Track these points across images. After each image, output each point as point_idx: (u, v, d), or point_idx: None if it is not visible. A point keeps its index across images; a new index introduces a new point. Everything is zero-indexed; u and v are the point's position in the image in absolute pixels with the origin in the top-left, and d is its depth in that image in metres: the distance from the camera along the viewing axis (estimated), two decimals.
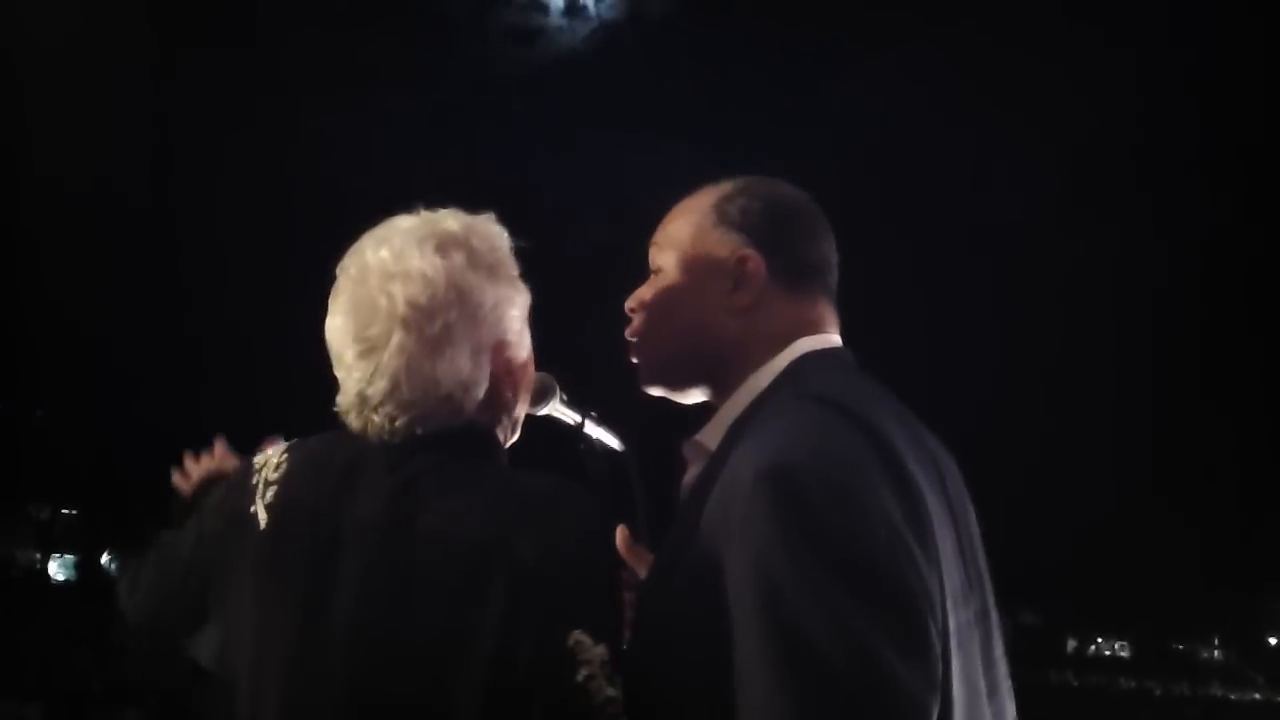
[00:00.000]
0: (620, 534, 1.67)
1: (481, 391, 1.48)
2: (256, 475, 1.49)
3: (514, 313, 1.53)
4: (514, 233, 1.60)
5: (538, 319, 1.62)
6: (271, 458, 1.51)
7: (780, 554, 1.22)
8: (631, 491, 1.76)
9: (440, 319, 1.42)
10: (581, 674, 1.28)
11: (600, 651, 1.30)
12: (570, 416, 1.80)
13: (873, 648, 1.18)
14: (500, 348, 1.50)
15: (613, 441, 1.82)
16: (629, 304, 1.64)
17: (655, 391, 1.64)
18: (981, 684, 1.38)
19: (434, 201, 1.57)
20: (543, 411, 1.77)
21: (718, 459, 1.42)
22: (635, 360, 1.64)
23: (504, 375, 1.52)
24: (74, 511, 35.11)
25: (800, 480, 1.25)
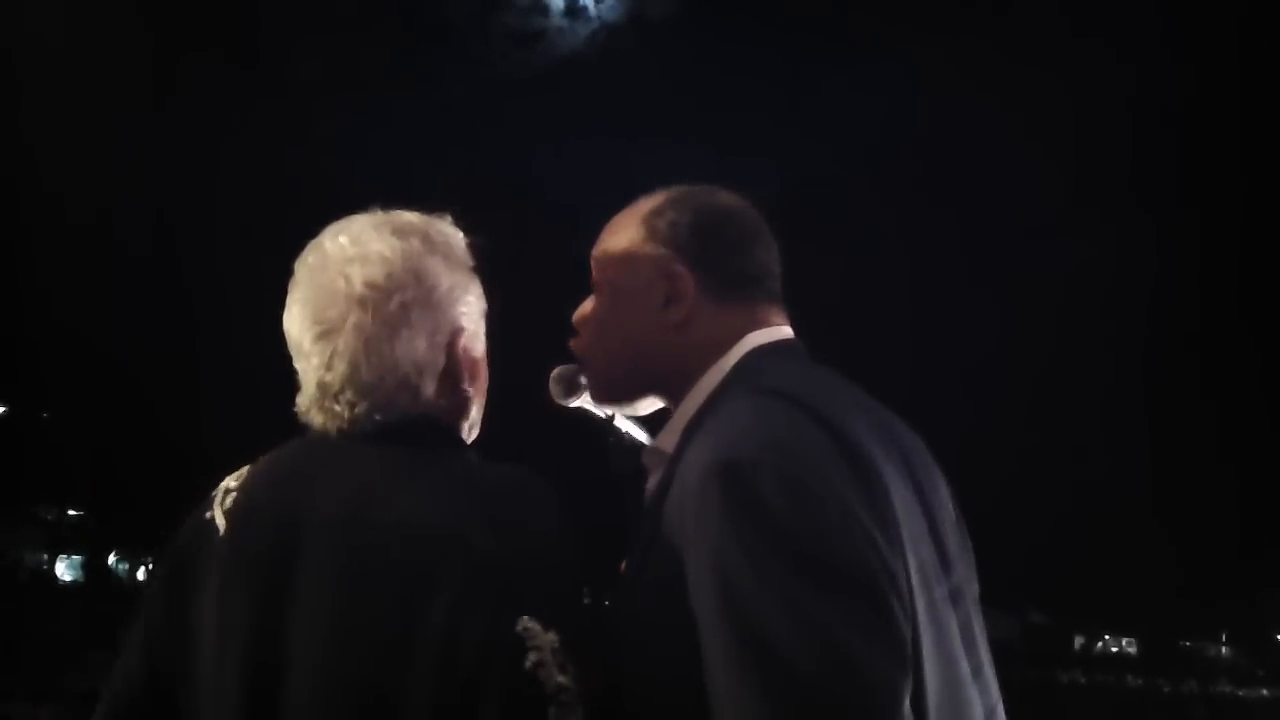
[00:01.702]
0: None
1: (436, 376, 1.47)
2: (217, 488, 1.49)
3: (470, 299, 1.52)
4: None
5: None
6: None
7: (733, 549, 1.20)
8: None
9: (397, 298, 1.43)
10: (530, 660, 1.26)
11: (551, 638, 1.27)
12: (600, 410, 1.79)
13: (834, 633, 1.16)
14: (457, 335, 1.49)
15: (642, 436, 1.80)
16: (574, 318, 1.63)
17: (606, 407, 1.64)
18: (964, 664, 1.36)
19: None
20: (574, 404, 1.76)
21: (674, 463, 1.41)
22: (583, 378, 1.64)
23: (461, 365, 1.50)
24: (80, 512, 35.25)
25: (746, 473, 1.23)
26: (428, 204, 1.57)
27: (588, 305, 1.62)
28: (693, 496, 1.27)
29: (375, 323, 1.42)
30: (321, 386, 1.43)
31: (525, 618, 1.28)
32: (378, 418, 1.42)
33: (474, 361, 1.55)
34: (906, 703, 1.18)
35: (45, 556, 35.26)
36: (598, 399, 1.64)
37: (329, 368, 1.42)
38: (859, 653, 1.16)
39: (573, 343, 1.64)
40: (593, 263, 1.63)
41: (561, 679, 1.27)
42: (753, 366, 1.49)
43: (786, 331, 1.57)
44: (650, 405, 1.61)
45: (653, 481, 1.52)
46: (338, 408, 1.42)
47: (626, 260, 1.57)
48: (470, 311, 1.53)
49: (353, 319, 1.42)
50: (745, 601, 1.19)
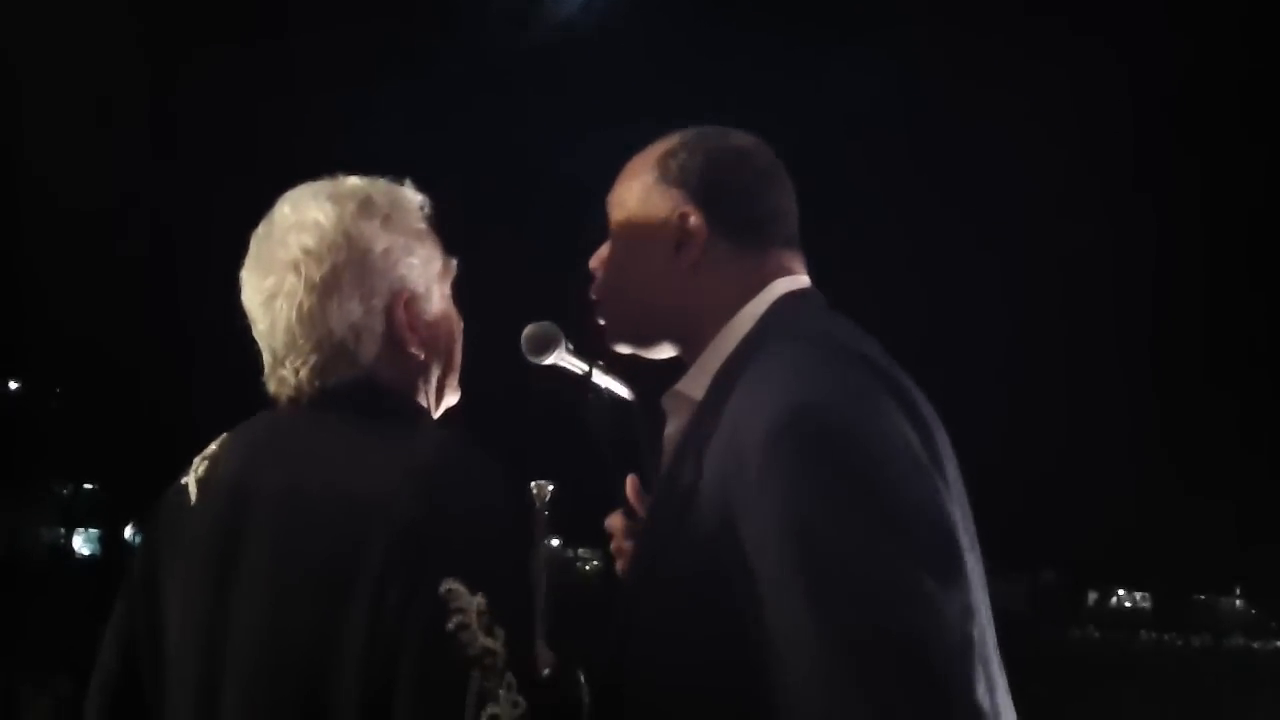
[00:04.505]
0: (630, 484, 1.65)
1: (377, 340, 1.46)
2: (196, 456, 1.51)
3: (412, 261, 1.50)
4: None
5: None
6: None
7: (813, 498, 1.19)
8: (639, 441, 1.72)
9: (328, 262, 1.43)
10: (452, 622, 1.24)
11: (478, 601, 1.25)
12: (577, 365, 1.76)
13: (918, 582, 1.15)
14: (399, 297, 1.48)
15: (622, 390, 1.78)
16: (591, 263, 1.62)
17: (621, 349, 1.62)
18: (989, 614, 1.35)
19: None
20: (548, 361, 1.73)
21: (708, 409, 1.39)
22: (600, 320, 1.62)
23: (407, 328, 1.49)
24: (96, 486, 35.43)
25: (821, 422, 1.22)
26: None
27: (604, 250, 1.60)
28: (759, 447, 1.24)
29: (306, 287, 1.42)
30: (272, 353, 1.45)
31: (448, 579, 1.26)
32: (318, 384, 1.43)
33: (426, 325, 1.52)
34: (976, 648, 1.19)
35: (62, 531, 35.53)
36: (612, 343, 1.61)
37: (273, 334, 1.44)
38: (942, 602, 1.16)
39: (591, 289, 1.61)
40: (607, 207, 1.60)
41: (487, 642, 1.25)
42: (786, 313, 1.46)
43: (807, 280, 1.54)
44: (665, 351, 1.58)
45: (677, 426, 1.49)
46: (285, 373, 1.44)
47: (638, 204, 1.54)
48: (414, 274, 1.50)
49: (288, 284, 1.43)
50: (826, 549, 1.17)
